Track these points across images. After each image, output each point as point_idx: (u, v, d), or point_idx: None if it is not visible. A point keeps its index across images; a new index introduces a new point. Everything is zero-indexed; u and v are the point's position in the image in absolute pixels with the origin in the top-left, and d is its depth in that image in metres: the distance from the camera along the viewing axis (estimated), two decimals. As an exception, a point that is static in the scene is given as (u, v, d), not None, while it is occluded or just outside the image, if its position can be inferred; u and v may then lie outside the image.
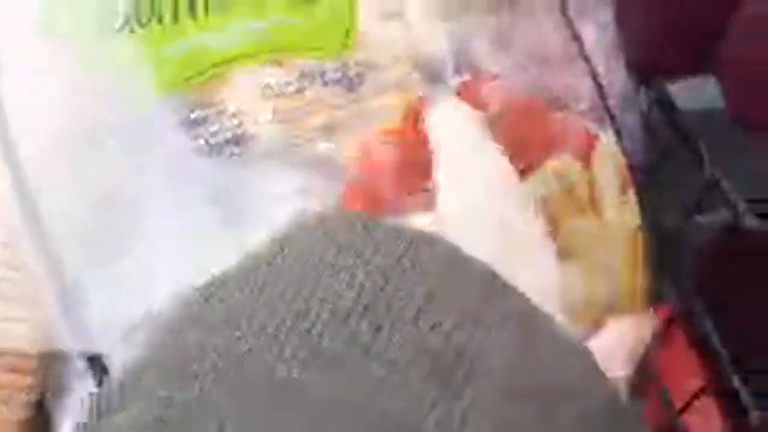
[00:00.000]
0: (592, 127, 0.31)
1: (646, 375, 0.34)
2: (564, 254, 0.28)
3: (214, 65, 0.23)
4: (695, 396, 0.34)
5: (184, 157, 0.22)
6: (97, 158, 0.21)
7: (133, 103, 0.22)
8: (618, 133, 0.33)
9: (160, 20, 0.22)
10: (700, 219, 0.39)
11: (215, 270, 0.18)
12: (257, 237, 0.22)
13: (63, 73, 0.21)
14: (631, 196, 0.32)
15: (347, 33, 0.26)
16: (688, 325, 0.38)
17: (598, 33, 0.34)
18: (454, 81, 0.28)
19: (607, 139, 0.32)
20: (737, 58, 0.40)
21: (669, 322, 0.37)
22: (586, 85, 0.33)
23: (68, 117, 0.20)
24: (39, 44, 0.21)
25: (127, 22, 0.22)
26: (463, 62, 0.29)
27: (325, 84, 0.25)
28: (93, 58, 0.21)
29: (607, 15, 0.35)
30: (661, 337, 0.36)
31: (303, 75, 0.24)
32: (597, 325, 0.29)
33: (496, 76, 0.29)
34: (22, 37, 0.20)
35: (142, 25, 0.22)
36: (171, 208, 0.22)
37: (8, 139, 0.19)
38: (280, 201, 0.23)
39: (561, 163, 0.29)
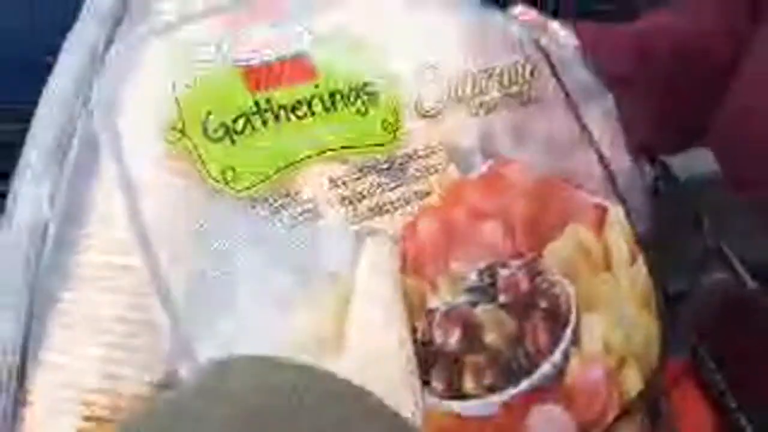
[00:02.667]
0: (602, 202, 0.36)
1: (662, 421, 0.37)
2: (584, 308, 0.33)
3: (292, 164, 0.29)
4: (708, 439, 0.37)
5: (265, 238, 0.28)
6: (200, 242, 0.27)
7: (226, 195, 0.28)
8: (625, 206, 0.38)
9: (254, 129, 0.28)
10: (704, 282, 0.43)
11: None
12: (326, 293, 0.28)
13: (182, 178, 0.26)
14: (640, 261, 0.36)
15: (395, 132, 0.31)
16: (699, 375, 0.42)
17: (603, 120, 0.40)
18: (484, 166, 0.33)
19: (615, 213, 0.36)
20: (727, 133, 0.45)
21: (681, 373, 0.41)
22: (594, 167, 0.38)
23: (184, 213, 0.26)
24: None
25: (227, 132, 0.28)
26: (488, 150, 0.34)
27: (378, 173, 0.31)
28: (205, 162, 0.27)
29: (610, 103, 0.41)
30: (675, 386, 0.40)
31: (360, 168, 0.30)
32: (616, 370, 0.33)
33: (517, 161, 0.34)
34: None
35: (238, 134, 0.28)
36: (256, 280, 0.27)
37: (142, 224, 0.25)
38: (343, 265, 0.28)
39: (577, 232, 0.34)
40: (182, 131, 0.27)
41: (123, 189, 0.25)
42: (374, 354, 0.27)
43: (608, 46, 0.46)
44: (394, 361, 0.27)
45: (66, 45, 0.29)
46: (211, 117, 0.28)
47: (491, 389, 0.29)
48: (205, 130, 0.27)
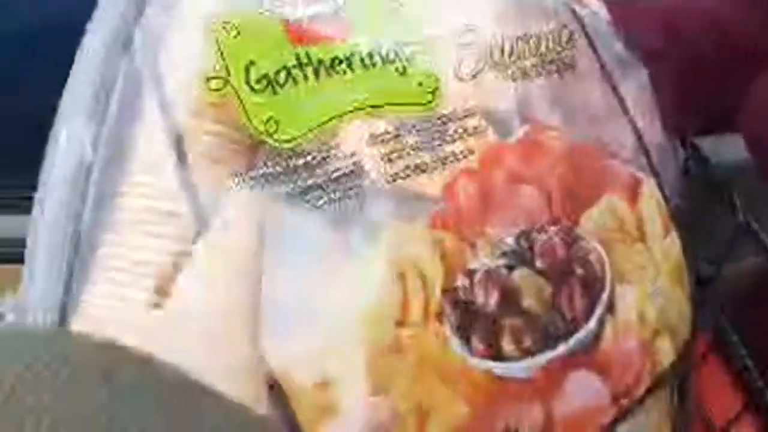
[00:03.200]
0: (637, 173, 0.36)
1: (690, 398, 0.37)
2: (618, 278, 0.32)
3: (332, 118, 0.28)
4: (736, 417, 0.37)
5: (306, 193, 0.27)
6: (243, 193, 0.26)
7: (268, 146, 0.27)
8: (659, 179, 0.37)
9: (295, 83, 0.28)
10: (735, 260, 0.43)
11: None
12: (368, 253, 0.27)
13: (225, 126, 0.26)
14: (674, 235, 0.36)
15: (433, 93, 0.31)
16: (725, 353, 0.41)
17: (638, 93, 0.39)
18: (521, 130, 0.33)
19: (649, 185, 0.36)
20: (757, 119, 0.44)
21: (708, 351, 0.41)
22: (629, 138, 0.37)
23: (228, 161, 0.26)
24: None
25: (269, 83, 0.27)
26: (526, 115, 0.34)
27: (417, 133, 0.30)
28: (248, 111, 0.27)
29: (644, 78, 0.40)
30: (703, 363, 0.39)
31: (401, 125, 0.30)
32: (650, 341, 0.33)
33: (553, 128, 0.34)
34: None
35: (281, 86, 0.28)
36: (298, 235, 0.27)
37: (186, 170, 0.25)
38: (382, 226, 0.28)
39: (612, 201, 0.34)
40: (225, 79, 0.27)
41: (167, 134, 0.25)
42: None
43: (638, 22, 0.46)
44: None
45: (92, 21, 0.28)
46: (254, 67, 0.27)
47: (530, 352, 0.29)
48: (248, 80, 0.27)
